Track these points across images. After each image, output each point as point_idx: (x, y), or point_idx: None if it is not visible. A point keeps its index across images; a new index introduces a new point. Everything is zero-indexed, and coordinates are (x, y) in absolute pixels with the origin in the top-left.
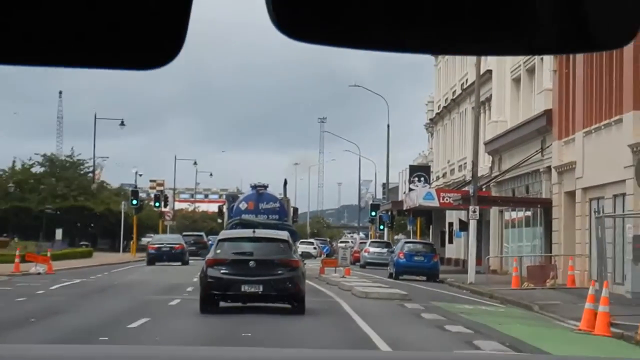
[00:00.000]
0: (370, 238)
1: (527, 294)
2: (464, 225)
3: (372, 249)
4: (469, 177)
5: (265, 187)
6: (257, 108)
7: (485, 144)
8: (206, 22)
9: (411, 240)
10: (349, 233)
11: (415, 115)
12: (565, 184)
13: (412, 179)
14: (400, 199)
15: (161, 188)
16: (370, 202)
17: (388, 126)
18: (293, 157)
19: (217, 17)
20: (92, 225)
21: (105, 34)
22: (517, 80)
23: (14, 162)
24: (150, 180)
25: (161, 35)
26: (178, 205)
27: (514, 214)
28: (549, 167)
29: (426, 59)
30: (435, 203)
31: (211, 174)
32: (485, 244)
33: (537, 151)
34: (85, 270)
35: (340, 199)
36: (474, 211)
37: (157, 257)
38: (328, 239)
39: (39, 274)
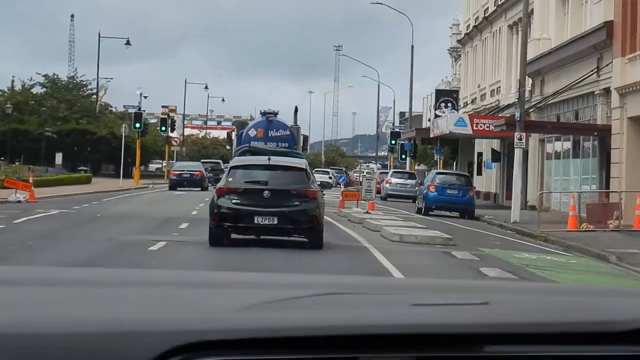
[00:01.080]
0: (390, 168)
1: (590, 238)
2: (497, 155)
3: (394, 180)
4: (504, 102)
5: (276, 114)
6: (271, 34)
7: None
8: None
9: (444, 171)
10: (365, 163)
11: (434, 45)
12: (630, 108)
13: (438, 104)
14: (424, 126)
15: (173, 114)
16: (390, 130)
17: (412, 47)
18: (308, 85)
19: None
20: (93, 149)
21: None
22: None
23: (12, 82)
24: (162, 106)
25: None
26: (188, 132)
27: (558, 144)
28: (607, 89)
29: None
30: (467, 130)
31: (223, 99)
32: (522, 177)
33: (592, 71)
34: (74, 199)
35: (355, 128)
36: (520, 138)
37: (178, 182)
38: (344, 169)
39: (18, 202)
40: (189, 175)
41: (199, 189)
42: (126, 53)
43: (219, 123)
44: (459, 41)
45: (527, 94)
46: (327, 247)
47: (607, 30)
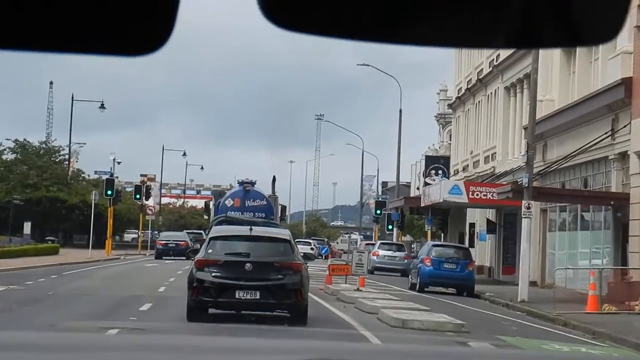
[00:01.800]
0: (375, 239)
1: (618, 323)
2: (492, 226)
3: (381, 252)
4: (500, 169)
5: (253, 184)
6: (252, 105)
7: (525, 128)
8: (197, 17)
9: (440, 243)
10: (346, 233)
11: (419, 113)
12: None
13: (428, 172)
14: (412, 195)
15: (151, 182)
16: (374, 199)
17: (400, 111)
18: (289, 154)
19: (209, 11)
20: (64, 218)
21: (94, 19)
22: (568, 50)
23: None
24: (141, 175)
25: (150, 21)
26: (166, 200)
27: (563, 215)
28: (624, 154)
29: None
30: (463, 198)
31: (202, 167)
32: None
33: (606, 133)
34: (32, 272)
35: (335, 198)
36: (529, 207)
37: (164, 252)
38: (326, 239)
39: None
40: (174, 245)
41: (185, 258)
42: (103, 122)
43: (198, 192)
44: (449, 105)
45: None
46: (317, 335)
47: (626, 87)
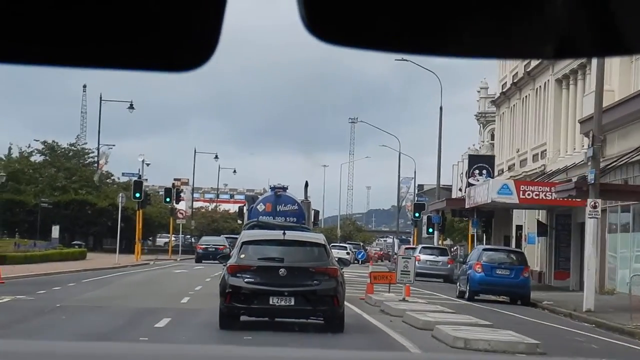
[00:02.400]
0: (414, 243)
1: None
2: (543, 229)
3: (423, 257)
4: (551, 167)
5: (285, 188)
6: (286, 110)
7: (581, 122)
8: (236, 26)
9: (492, 247)
10: (381, 237)
11: (456, 114)
12: None
13: (471, 172)
14: (454, 196)
15: (183, 186)
16: (411, 202)
17: (441, 108)
18: (323, 158)
19: (248, 20)
20: (93, 222)
21: (137, 35)
22: None
23: (9, 149)
24: (175, 179)
25: (195, 37)
26: (198, 205)
27: (625, 216)
28: None
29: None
30: (513, 199)
31: (235, 171)
32: (576, 253)
33: None
34: (51, 279)
35: (369, 203)
36: (595, 206)
37: (204, 255)
38: (361, 243)
39: None
40: (214, 249)
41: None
42: (134, 128)
43: (231, 196)
44: (492, 102)
45: (582, 157)
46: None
47: None
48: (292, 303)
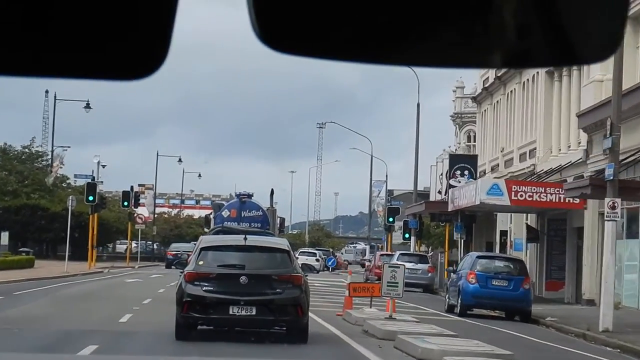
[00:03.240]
0: (388, 250)
1: None
2: (534, 234)
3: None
4: (542, 167)
5: (250, 195)
6: (254, 117)
7: (579, 115)
8: (191, 33)
9: (487, 254)
10: (351, 244)
11: (430, 118)
12: None
13: (453, 172)
14: (432, 199)
15: (148, 191)
16: (382, 206)
17: (418, 105)
18: (291, 165)
19: (202, 27)
20: (45, 228)
21: (90, 45)
22: (634, 20)
23: None
24: (139, 185)
25: (145, 45)
26: (163, 210)
27: (633, 218)
28: None
29: None
30: (503, 200)
31: (200, 175)
32: (572, 262)
33: None
34: None
35: (337, 209)
36: (614, 206)
37: (174, 261)
38: (331, 250)
39: None
40: (186, 255)
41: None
42: (98, 135)
43: (197, 202)
44: (473, 99)
45: (582, 155)
46: None
47: None
48: (254, 313)
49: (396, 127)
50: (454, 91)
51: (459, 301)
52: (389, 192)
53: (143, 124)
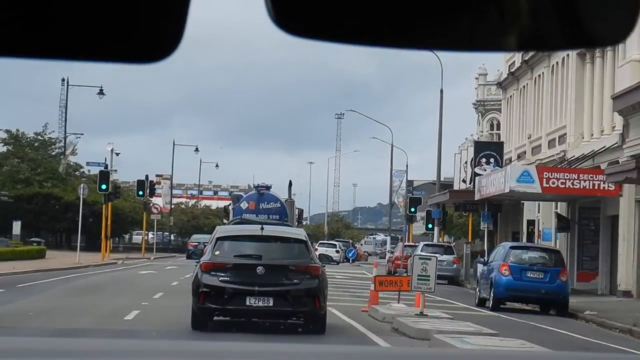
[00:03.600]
0: (409, 240)
1: None
2: (564, 223)
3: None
4: (573, 153)
5: (268, 187)
6: (271, 108)
7: (615, 98)
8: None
9: (522, 244)
10: (370, 235)
11: (451, 108)
12: None
13: (478, 160)
14: (457, 188)
15: (164, 181)
16: (403, 196)
17: (441, 91)
18: (309, 156)
19: (217, 17)
20: (58, 217)
21: (103, 26)
22: None
23: None
24: (157, 175)
25: (159, 28)
26: (180, 201)
27: None
28: None
29: None
30: (534, 187)
31: (217, 165)
32: (606, 252)
33: None
34: None
35: (356, 200)
36: None
37: (195, 252)
38: (350, 241)
39: None
40: (204, 246)
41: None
42: (114, 126)
43: (215, 193)
44: (498, 84)
45: (617, 139)
46: None
47: None
48: (271, 304)
49: (412, 119)
50: (477, 78)
51: (492, 295)
52: (409, 182)
53: (158, 114)
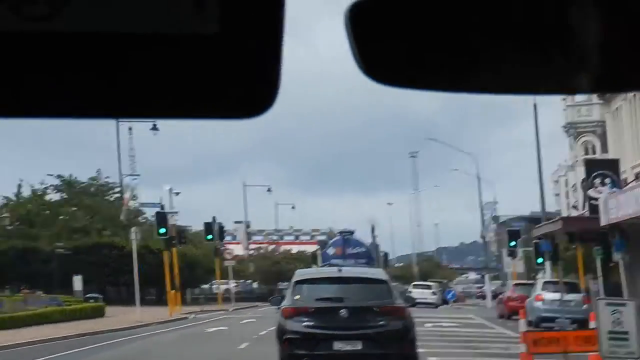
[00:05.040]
0: (513, 278)
1: None
2: None
3: (548, 296)
4: None
5: (352, 232)
6: (343, 152)
7: None
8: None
9: None
10: (463, 274)
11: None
12: None
13: (591, 181)
14: (566, 213)
15: (239, 226)
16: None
17: (535, 105)
18: (386, 197)
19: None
20: (121, 269)
21: (201, 85)
22: None
23: (19, 186)
24: (235, 222)
25: (257, 84)
26: (254, 246)
27: None
28: None
29: None
30: None
31: (293, 207)
32: None
33: None
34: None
35: (439, 240)
36: None
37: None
38: (445, 281)
39: None
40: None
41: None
42: (188, 177)
43: (296, 237)
44: (600, 97)
45: None
46: None
47: None
48: (359, 347)
49: (490, 154)
50: (564, 99)
51: None
52: (494, 218)
53: (229, 164)
